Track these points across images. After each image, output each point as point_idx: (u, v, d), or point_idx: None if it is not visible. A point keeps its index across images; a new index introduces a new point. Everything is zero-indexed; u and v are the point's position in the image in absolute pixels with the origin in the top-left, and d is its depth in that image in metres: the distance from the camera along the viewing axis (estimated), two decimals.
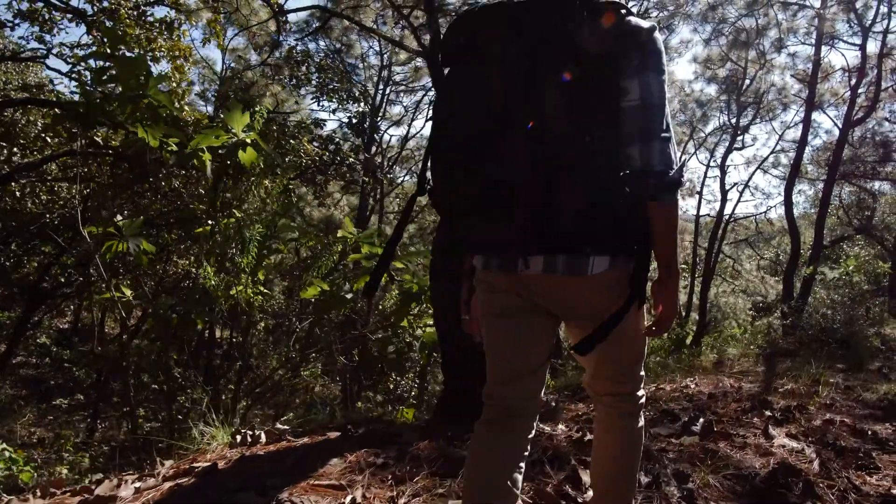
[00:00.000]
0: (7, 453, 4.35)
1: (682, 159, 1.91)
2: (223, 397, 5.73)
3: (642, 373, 1.86)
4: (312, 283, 4.67)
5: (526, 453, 1.77)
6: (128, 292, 5.37)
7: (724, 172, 16.82)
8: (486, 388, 1.82)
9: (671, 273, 1.69)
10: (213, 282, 3.91)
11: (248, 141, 3.77)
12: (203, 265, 3.97)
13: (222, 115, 3.64)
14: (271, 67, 9.39)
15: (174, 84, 10.77)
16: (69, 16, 9.43)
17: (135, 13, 8.87)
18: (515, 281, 1.68)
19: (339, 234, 4.90)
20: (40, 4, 9.03)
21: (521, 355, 1.77)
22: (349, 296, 4.63)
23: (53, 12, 9.21)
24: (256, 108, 4.46)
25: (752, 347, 8.78)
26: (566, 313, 1.75)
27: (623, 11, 1.58)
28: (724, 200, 16.85)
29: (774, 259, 21.12)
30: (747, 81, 15.20)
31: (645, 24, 1.58)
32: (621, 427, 1.87)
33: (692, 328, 15.38)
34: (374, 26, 7.64)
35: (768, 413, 3.82)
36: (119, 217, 4.03)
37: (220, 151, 3.65)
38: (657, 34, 1.59)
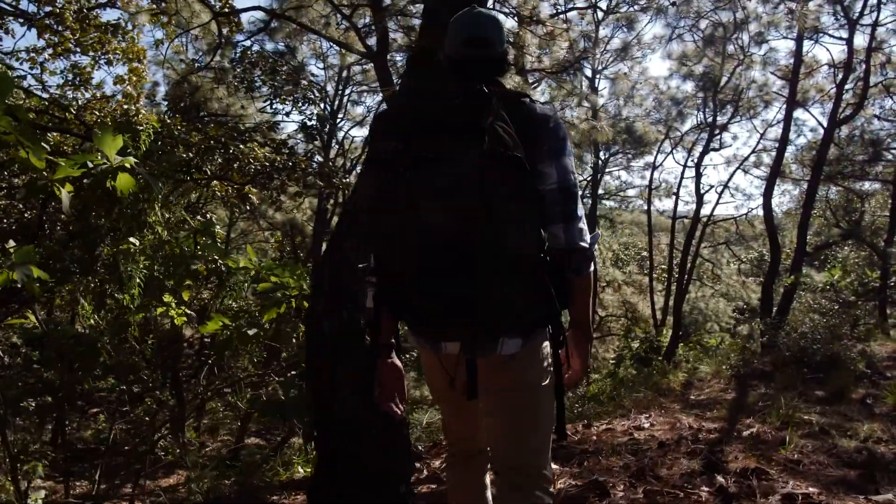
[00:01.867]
0: None
1: (596, 233, 1.90)
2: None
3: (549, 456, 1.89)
4: (212, 316, 4.10)
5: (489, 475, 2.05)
6: (32, 318, 4.84)
7: (699, 174, 16.29)
8: (445, 435, 2.14)
9: (585, 334, 1.87)
10: (91, 321, 3.35)
11: (128, 166, 3.16)
12: (80, 302, 3.40)
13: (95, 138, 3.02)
14: (216, 70, 8.84)
15: (129, 87, 10.28)
16: (20, 20, 8.82)
17: (78, 16, 8.31)
18: (442, 358, 1.81)
19: (242, 263, 4.33)
20: None
21: (466, 425, 2.02)
22: (251, 331, 4.05)
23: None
24: (142, 127, 3.92)
25: (724, 367, 8.28)
26: (487, 386, 1.76)
27: (526, 101, 1.74)
28: (699, 202, 16.30)
29: (756, 262, 20.70)
30: (725, 78, 14.66)
31: (548, 109, 1.76)
32: None
33: (666, 337, 14.89)
34: (321, 27, 7.14)
35: (720, 480, 3.27)
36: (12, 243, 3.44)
37: (84, 181, 3.05)
38: (560, 119, 1.77)
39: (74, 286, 3.27)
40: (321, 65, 13.73)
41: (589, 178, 17.82)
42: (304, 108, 10.51)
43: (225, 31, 9.99)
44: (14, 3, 7.99)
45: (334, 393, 2.44)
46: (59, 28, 8.36)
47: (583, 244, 1.70)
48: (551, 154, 1.69)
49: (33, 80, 9.56)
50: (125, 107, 9.61)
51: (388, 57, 7.34)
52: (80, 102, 9.09)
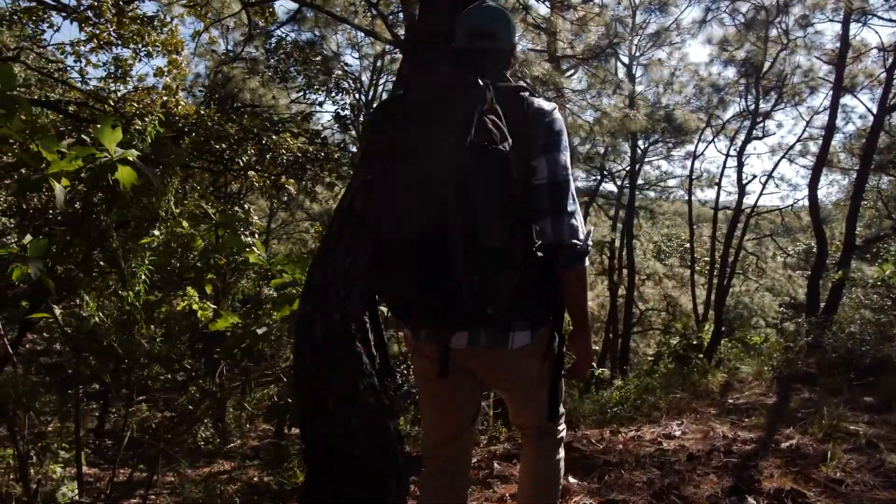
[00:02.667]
0: None
1: (589, 229, 1.84)
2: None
3: (562, 409, 2.14)
4: (221, 314, 4.01)
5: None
6: (57, 311, 4.85)
7: (742, 163, 15.63)
8: (423, 444, 2.08)
9: (583, 329, 1.90)
10: (96, 318, 3.28)
11: (130, 159, 3.06)
12: (84, 298, 3.34)
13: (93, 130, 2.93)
14: (247, 61, 8.82)
15: (168, 79, 10.37)
16: (62, 13, 8.94)
17: (116, 9, 8.37)
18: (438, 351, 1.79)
19: (251, 259, 4.22)
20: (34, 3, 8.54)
21: (453, 415, 2.02)
22: (261, 330, 3.95)
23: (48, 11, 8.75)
24: (147, 119, 3.84)
25: (766, 368, 7.91)
26: (490, 379, 1.98)
27: (526, 94, 1.78)
28: (742, 193, 15.63)
29: (803, 255, 19.91)
30: (768, 63, 13.97)
31: (546, 105, 1.77)
32: (542, 456, 2.13)
33: (707, 333, 14.40)
34: (349, 16, 7.02)
35: (751, 502, 3.03)
36: (28, 237, 3.41)
37: (81, 175, 2.97)
38: (558, 113, 1.77)
39: (77, 283, 3.21)
40: (356, 54, 13.63)
41: (626, 168, 17.35)
42: (337, 97, 10.41)
43: (261, 21, 10.01)
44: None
45: (326, 396, 2.29)
46: (99, 21, 8.43)
47: (573, 240, 1.70)
48: (544, 149, 1.71)
49: (76, 74, 9.75)
50: (164, 98, 9.68)
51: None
52: (118, 94, 9.16)
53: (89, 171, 2.80)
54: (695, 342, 13.47)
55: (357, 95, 13.08)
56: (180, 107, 9.48)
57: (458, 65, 1.84)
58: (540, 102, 1.77)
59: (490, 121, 1.60)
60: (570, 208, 1.71)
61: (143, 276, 3.46)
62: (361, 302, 2.43)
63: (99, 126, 3.00)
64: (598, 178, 19.01)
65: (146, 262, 3.51)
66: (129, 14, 8.02)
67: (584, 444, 4.45)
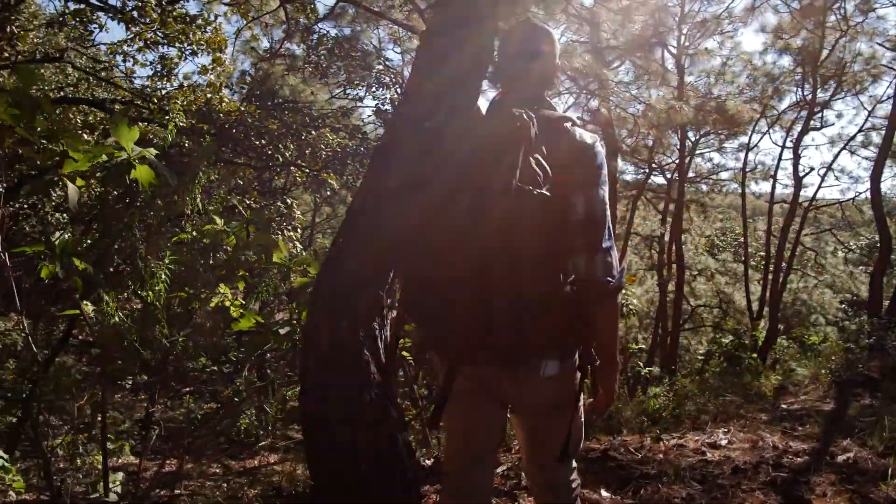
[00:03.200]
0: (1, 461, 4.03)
1: (623, 266, 1.83)
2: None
3: (574, 464, 2.08)
4: (244, 314, 3.94)
5: None
6: (88, 308, 4.91)
7: (798, 155, 14.90)
8: (445, 468, 2.10)
9: (611, 364, 1.86)
10: (116, 318, 3.26)
11: (149, 157, 3.01)
12: (103, 298, 3.31)
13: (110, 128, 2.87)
14: (285, 58, 8.84)
15: (212, 77, 10.51)
16: (109, 14, 9.13)
17: (159, 8, 8.48)
18: (472, 371, 1.85)
19: (274, 258, 4.14)
20: (83, 6, 8.74)
21: (477, 437, 2.02)
22: (284, 330, 3.87)
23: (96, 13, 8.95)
24: (169, 115, 3.81)
25: (824, 371, 7.48)
26: (516, 404, 1.96)
27: (569, 125, 1.75)
28: (798, 185, 14.89)
29: (866, 251, 18.96)
30: (826, 51, 13.25)
31: (588, 137, 1.73)
32: None
33: (762, 332, 13.83)
34: (385, 10, 6.94)
35: None
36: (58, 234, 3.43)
37: (97, 174, 2.93)
38: (600, 146, 1.74)
39: (96, 282, 3.19)
40: (398, 49, 13.58)
41: (675, 161, 16.81)
42: (377, 92, 10.36)
43: (302, 19, 10.03)
44: (103, 0, 8.22)
45: (328, 408, 2.17)
46: (144, 21, 8.56)
47: (606, 277, 1.70)
48: (583, 185, 1.70)
49: (124, 73, 9.95)
50: (208, 96, 9.79)
51: None
52: (162, 93, 9.29)
53: (104, 169, 2.75)
54: (747, 341, 12.96)
55: (398, 90, 13.02)
56: (224, 104, 9.58)
57: (506, 86, 1.89)
58: (582, 135, 1.75)
59: (534, 160, 1.60)
60: (605, 245, 1.70)
61: (164, 276, 3.42)
62: (370, 308, 2.29)
63: (116, 124, 2.95)
64: (647, 171, 18.49)
65: (167, 260, 3.46)
66: (173, 14, 8.09)
67: (621, 452, 4.24)
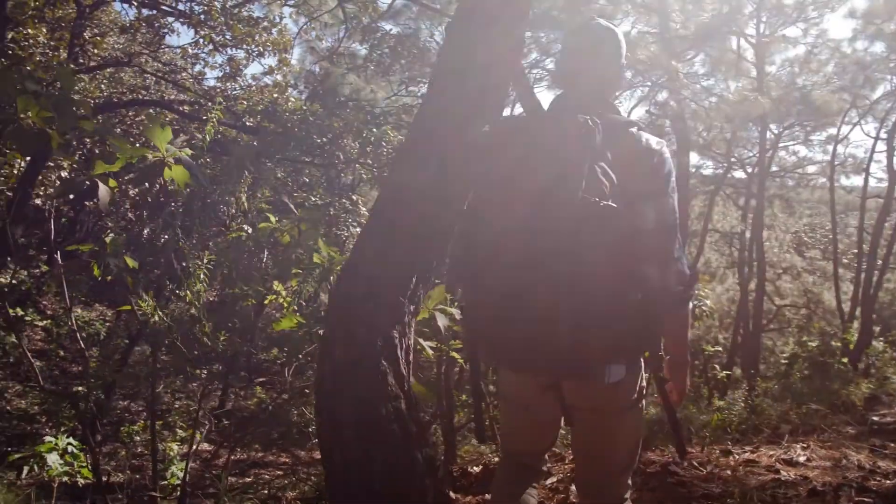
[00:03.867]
0: (71, 448, 4.21)
1: (695, 272, 1.82)
2: None
3: (630, 482, 1.97)
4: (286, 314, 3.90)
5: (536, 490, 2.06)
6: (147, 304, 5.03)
7: (893, 147, 13.72)
8: (502, 446, 2.13)
9: (681, 364, 1.87)
10: (156, 316, 3.27)
11: (181, 157, 2.99)
12: (142, 296, 3.33)
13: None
14: (345, 56, 8.88)
15: (278, 77, 10.72)
16: (180, 20, 9.45)
17: (224, 12, 8.69)
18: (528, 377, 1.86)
19: (315, 259, 4.07)
20: (155, 11, 9.09)
21: (534, 437, 2.03)
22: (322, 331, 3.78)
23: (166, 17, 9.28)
24: (209, 114, 3.79)
25: None
26: (575, 407, 1.85)
27: (635, 129, 1.71)
28: (893, 179, 13.74)
29: None
30: None
31: (654, 143, 1.71)
32: None
33: (853, 335, 12.88)
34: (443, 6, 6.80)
35: None
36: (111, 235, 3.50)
37: (126, 176, 2.92)
38: (667, 151, 1.72)
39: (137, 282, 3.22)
40: None
41: (756, 155, 15.91)
42: None
43: (365, 19, 10.05)
44: (173, 5, 8.48)
45: (343, 421, 2.05)
46: (211, 24, 8.78)
47: (679, 287, 1.71)
48: (652, 193, 1.67)
49: (192, 75, 10.26)
50: (275, 96, 9.97)
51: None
52: (229, 93, 9.52)
53: (137, 170, 2.73)
54: (837, 344, 12.10)
55: None
56: (290, 103, 9.73)
57: (567, 89, 1.84)
58: (649, 140, 1.71)
59: (599, 169, 1.55)
60: (676, 254, 1.70)
61: (203, 275, 3.40)
62: (390, 314, 2.14)
63: (150, 125, 2.93)
64: (725, 165, 17.61)
65: (205, 260, 3.44)
66: (238, 16, 8.25)
67: (684, 466, 3.94)
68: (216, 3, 7.78)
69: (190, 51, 9.65)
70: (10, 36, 6.97)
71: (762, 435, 5.19)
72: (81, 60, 7.36)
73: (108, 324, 11.13)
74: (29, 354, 3.54)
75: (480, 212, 1.74)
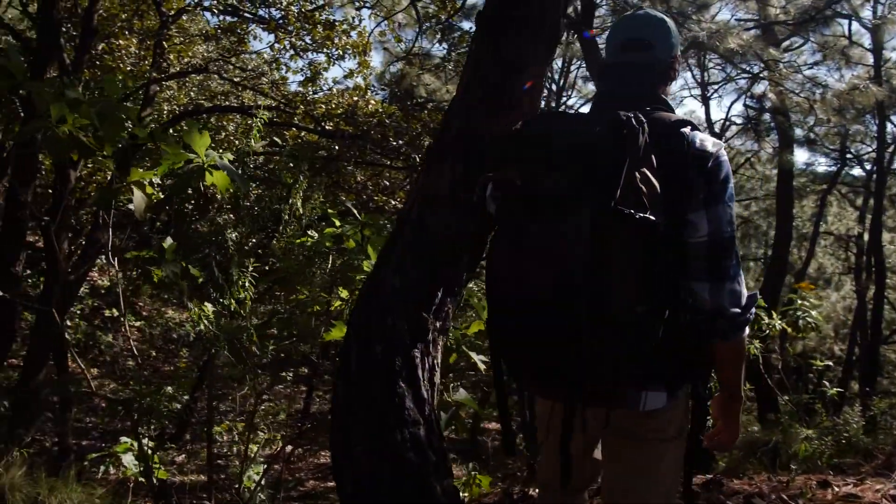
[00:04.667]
0: (147, 449, 4.37)
1: (753, 293, 1.59)
2: None
3: None
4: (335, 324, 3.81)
5: None
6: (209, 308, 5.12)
7: None
8: (538, 478, 2.01)
9: (734, 398, 1.68)
10: (203, 325, 3.26)
11: (219, 162, 2.95)
12: (192, 304, 3.33)
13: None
14: (419, 57, 8.81)
15: (358, 80, 10.83)
16: (261, 25, 9.74)
17: (301, 16, 8.86)
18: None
19: (365, 266, 3.95)
20: (236, 18, 9.42)
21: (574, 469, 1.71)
22: None
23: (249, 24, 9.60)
24: (257, 117, 3.75)
25: None
26: (610, 433, 1.69)
27: (688, 129, 1.51)
28: None
29: None
30: None
31: (710, 144, 1.52)
32: None
33: None
34: None
35: None
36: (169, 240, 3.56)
37: (165, 181, 2.91)
38: (724, 154, 1.53)
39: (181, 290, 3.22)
40: None
41: (873, 151, 14.57)
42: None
43: (443, 16, 9.95)
44: (253, 11, 8.71)
45: (353, 445, 1.89)
46: (290, 29, 8.96)
47: (734, 309, 1.51)
48: (706, 201, 1.48)
49: (274, 80, 10.52)
50: (355, 98, 10.06)
51: (596, 25, 6.49)
52: (308, 98, 9.65)
53: (175, 177, 2.70)
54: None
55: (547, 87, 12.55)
56: (370, 105, 9.76)
57: (611, 81, 1.67)
58: (703, 141, 1.51)
59: (640, 175, 1.35)
60: (732, 272, 1.51)
61: (248, 283, 3.36)
62: (411, 331, 1.97)
63: (187, 130, 2.90)
64: (840, 162, 16.27)
65: (250, 267, 3.39)
66: (314, 20, 8.34)
67: (772, 499, 3.53)
68: (293, 7, 7.91)
69: (266, 56, 9.88)
70: (100, 47, 7.38)
71: (874, 462, 4.62)
72: (166, 67, 7.69)
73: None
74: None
75: (500, 221, 1.56)
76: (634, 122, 1.37)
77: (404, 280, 1.97)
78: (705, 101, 13.78)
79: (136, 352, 3.77)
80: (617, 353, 1.38)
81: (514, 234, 1.46)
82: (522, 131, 1.54)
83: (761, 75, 6.78)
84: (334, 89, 9.99)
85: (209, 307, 3.33)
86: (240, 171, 3.14)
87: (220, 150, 8.64)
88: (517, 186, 1.46)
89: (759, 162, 17.65)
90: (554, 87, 13.32)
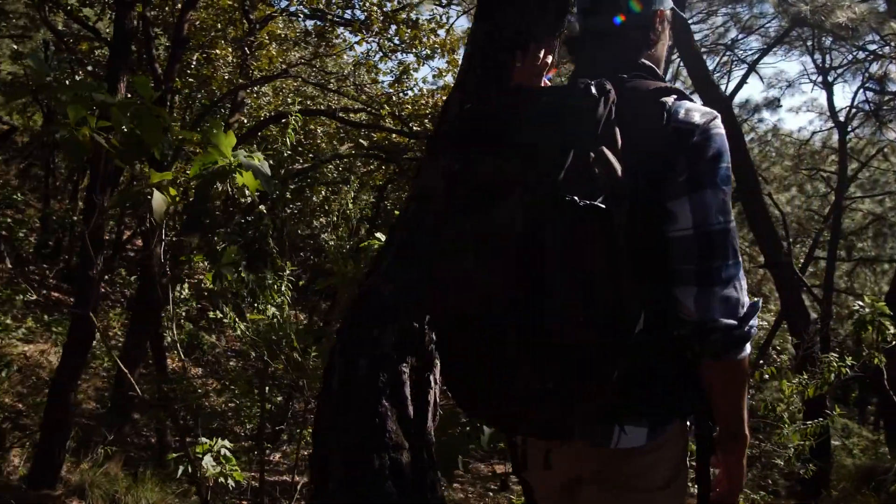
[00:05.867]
0: (224, 451, 4.51)
1: (755, 301, 1.21)
2: None
3: None
4: None
5: None
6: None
7: None
8: None
9: (737, 439, 1.28)
10: (238, 330, 3.22)
11: (246, 162, 2.89)
12: (227, 308, 3.30)
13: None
14: None
15: (448, 79, 10.74)
16: (348, 28, 9.89)
17: (382, 18, 8.88)
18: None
19: None
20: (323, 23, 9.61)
21: None
22: None
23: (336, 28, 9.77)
24: (291, 115, 3.67)
25: None
26: (581, 472, 1.34)
27: (671, 99, 1.24)
28: None
29: None
30: None
31: (698, 115, 1.22)
32: None
33: None
34: None
35: None
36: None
37: (188, 182, 2.87)
38: (717, 127, 1.21)
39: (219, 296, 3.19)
40: None
41: None
42: None
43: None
44: (340, 14, 8.80)
45: (329, 469, 1.73)
46: (376, 29, 8.97)
47: (726, 320, 1.18)
48: (689, 185, 1.19)
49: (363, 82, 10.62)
50: (444, 99, 9.97)
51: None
52: (394, 99, 9.63)
53: (199, 178, 2.64)
54: None
55: None
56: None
57: (577, 56, 1.40)
58: (690, 111, 1.22)
59: (595, 155, 1.09)
60: (724, 273, 1.18)
61: (285, 289, 3.27)
62: (398, 344, 1.79)
63: (214, 130, 2.84)
64: None
65: (287, 272, 3.31)
66: (398, 19, 8.31)
67: None
68: (375, 8, 7.88)
69: (349, 57, 9.91)
70: (195, 57, 7.71)
71: None
72: (260, 73, 7.91)
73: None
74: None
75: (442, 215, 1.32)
76: (594, 91, 1.12)
77: (396, 286, 1.79)
78: (827, 87, 12.51)
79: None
80: (562, 383, 1.09)
81: (449, 232, 1.20)
82: (471, 109, 1.31)
83: (881, 53, 5.99)
84: (423, 89, 9.93)
85: (258, 312, 3.30)
86: (280, 172, 3.06)
87: (308, 153, 8.77)
88: (454, 173, 1.22)
89: (893, 153, 15.96)
90: None
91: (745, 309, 1.20)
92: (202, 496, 3.07)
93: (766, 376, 3.69)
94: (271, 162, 2.90)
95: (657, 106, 1.22)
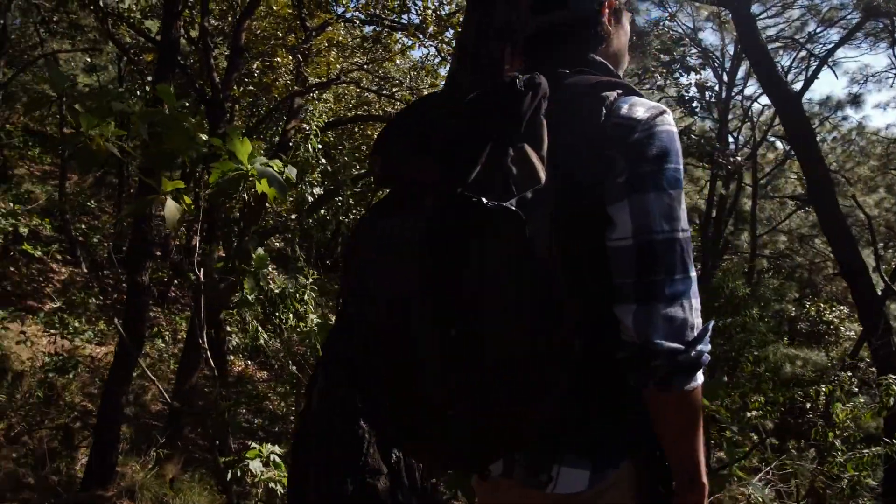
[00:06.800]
0: (274, 456, 4.57)
1: (707, 325, 1.05)
2: None
3: None
4: None
5: None
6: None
7: None
8: None
9: (693, 486, 1.10)
10: (262, 339, 3.19)
11: (262, 169, 2.88)
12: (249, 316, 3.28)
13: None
14: None
15: None
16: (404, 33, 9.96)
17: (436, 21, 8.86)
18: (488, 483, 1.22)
19: None
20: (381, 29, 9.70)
21: None
22: None
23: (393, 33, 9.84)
24: (314, 124, 3.62)
25: None
26: None
27: (609, 95, 1.10)
28: None
29: None
30: None
31: (642, 110, 1.09)
32: None
33: None
34: None
35: None
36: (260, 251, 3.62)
37: (203, 192, 2.86)
38: (664, 123, 1.08)
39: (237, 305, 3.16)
40: (715, 27, 11.91)
41: None
42: (680, 78, 9.10)
43: None
44: (397, 20, 8.84)
45: (305, 491, 1.66)
46: (431, 31, 8.95)
47: (671, 343, 1.01)
48: (629, 187, 1.05)
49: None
50: None
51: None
52: None
53: (214, 185, 2.63)
54: None
55: (706, 72, 11.44)
56: None
57: (527, 56, 1.26)
58: (633, 106, 1.09)
59: (515, 153, 0.98)
60: (668, 289, 1.03)
61: (308, 298, 3.22)
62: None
63: (232, 137, 2.82)
64: None
65: (310, 279, 3.26)
66: (453, 23, 8.26)
67: None
68: (431, 11, 7.84)
69: (400, 62, 9.89)
70: (255, 65, 7.90)
71: None
72: (318, 80, 8.03)
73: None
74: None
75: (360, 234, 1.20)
76: (521, 85, 1.00)
77: (381, 290, 1.70)
78: None
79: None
80: (474, 407, 0.96)
81: (364, 236, 1.10)
82: (411, 104, 1.20)
83: None
84: None
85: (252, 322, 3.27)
86: (304, 179, 3.02)
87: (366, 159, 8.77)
88: (377, 173, 1.12)
89: None
90: (723, 75, 12.14)
91: (694, 332, 1.03)
92: (230, 501, 3.04)
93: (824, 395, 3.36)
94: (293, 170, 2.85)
95: (598, 101, 1.09)
